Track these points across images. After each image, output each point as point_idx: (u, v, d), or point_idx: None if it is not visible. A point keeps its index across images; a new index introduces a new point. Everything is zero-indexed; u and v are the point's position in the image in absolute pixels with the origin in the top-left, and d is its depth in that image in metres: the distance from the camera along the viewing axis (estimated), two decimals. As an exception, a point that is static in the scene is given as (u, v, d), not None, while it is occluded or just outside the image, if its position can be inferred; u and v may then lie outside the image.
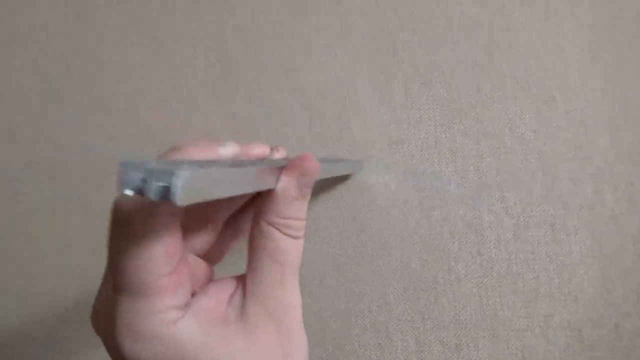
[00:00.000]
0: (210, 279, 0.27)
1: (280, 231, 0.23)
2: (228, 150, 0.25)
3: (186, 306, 0.21)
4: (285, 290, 0.23)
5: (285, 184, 0.23)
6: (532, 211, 0.41)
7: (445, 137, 0.42)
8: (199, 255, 0.27)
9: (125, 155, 0.49)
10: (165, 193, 0.15)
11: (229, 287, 0.24)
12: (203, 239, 0.27)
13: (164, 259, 0.19)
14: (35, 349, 0.51)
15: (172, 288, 0.20)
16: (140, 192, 0.15)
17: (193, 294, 0.23)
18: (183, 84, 0.49)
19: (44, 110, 0.51)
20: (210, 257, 0.28)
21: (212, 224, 0.27)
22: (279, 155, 0.30)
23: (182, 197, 0.15)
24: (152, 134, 0.50)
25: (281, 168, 0.23)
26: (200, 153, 0.22)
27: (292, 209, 0.23)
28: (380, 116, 0.44)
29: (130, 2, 0.49)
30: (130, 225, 0.19)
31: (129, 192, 0.15)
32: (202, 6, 0.49)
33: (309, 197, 0.24)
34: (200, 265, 0.26)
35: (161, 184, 0.15)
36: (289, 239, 0.23)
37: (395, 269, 0.43)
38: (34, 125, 0.51)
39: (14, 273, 0.51)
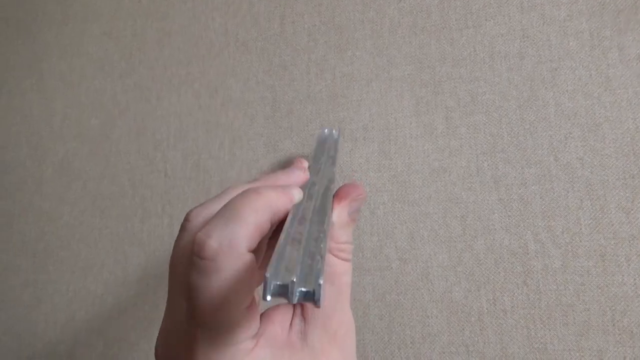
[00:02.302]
0: (259, 284, 0.27)
1: (336, 256, 0.24)
2: (299, 195, 0.25)
3: (257, 335, 0.22)
4: (344, 313, 0.24)
5: (339, 212, 0.24)
6: (580, 241, 0.40)
7: (488, 165, 0.42)
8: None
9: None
10: (308, 296, 0.17)
11: (288, 312, 0.24)
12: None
13: (247, 293, 0.20)
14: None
15: (249, 319, 0.21)
16: (283, 297, 0.17)
17: None
18: (231, 116, 0.51)
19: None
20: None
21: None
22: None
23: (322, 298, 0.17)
24: (201, 165, 0.52)
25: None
26: (277, 199, 0.23)
27: (345, 234, 0.24)
28: (422, 146, 0.44)
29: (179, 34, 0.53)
30: (218, 264, 0.20)
31: (270, 298, 0.17)
32: (249, 45, 0.52)
33: (356, 221, 0.25)
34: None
35: (304, 289, 0.17)
36: (343, 263, 0.24)
37: (438, 300, 0.42)
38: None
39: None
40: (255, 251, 0.27)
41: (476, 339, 0.41)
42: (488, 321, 0.41)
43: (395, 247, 0.44)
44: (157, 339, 0.24)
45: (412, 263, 0.43)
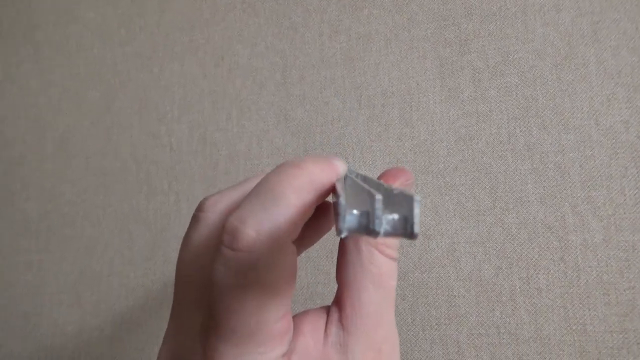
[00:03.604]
0: (295, 272, 0.23)
1: (382, 252, 0.20)
2: (344, 166, 0.20)
3: (288, 351, 0.18)
4: (390, 325, 0.19)
5: None
6: (624, 212, 0.36)
7: (520, 131, 0.39)
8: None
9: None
10: (402, 225, 0.13)
11: (320, 319, 0.20)
12: (309, 231, 0.23)
13: (287, 297, 0.17)
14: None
15: (283, 334, 0.17)
16: (364, 230, 0.13)
17: None
18: (238, 84, 0.48)
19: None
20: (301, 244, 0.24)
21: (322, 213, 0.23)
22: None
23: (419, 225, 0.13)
24: (208, 138, 0.49)
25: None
26: (321, 173, 0.18)
27: None
28: (447, 112, 0.41)
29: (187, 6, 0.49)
30: (256, 258, 0.16)
31: (346, 233, 0.13)
32: (256, 7, 0.48)
33: None
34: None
35: (396, 215, 0.13)
36: (389, 262, 0.20)
37: (466, 278, 0.39)
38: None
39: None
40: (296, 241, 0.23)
41: (508, 319, 0.38)
42: (521, 300, 0.38)
43: (419, 222, 0.41)
44: (163, 353, 0.20)
45: (437, 239, 0.40)
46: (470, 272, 0.39)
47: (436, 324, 0.40)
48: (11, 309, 0.54)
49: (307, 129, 0.45)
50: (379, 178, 0.21)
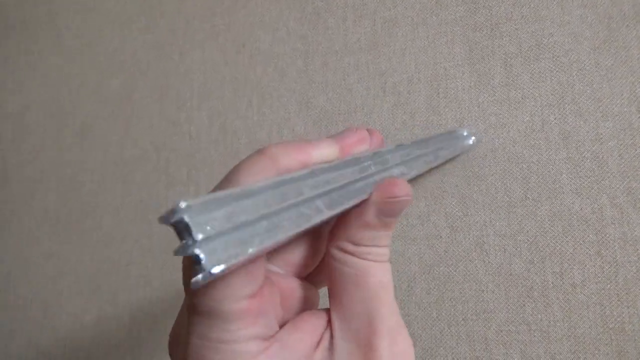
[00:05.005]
0: (313, 306, 0.22)
1: (352, 253, 0.19)
2: (323, 152, 0.19)
3: (271, 338, 0.18)
4: (387, 316, 0.19)
5: (366, 208, 0.19)
6: (667, 205, 0.34)
7: (555, 118, 0.37)
8: (299, 276, 0.22)
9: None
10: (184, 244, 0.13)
11: (322, 321, 0.20)
12: (302, 255, 0.22)
13: (243, 278, 0.16)
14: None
15: (252, 315, 0.17)
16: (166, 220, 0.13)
17: (284, 325, 0.19)
18: (259, 71, 0.46)
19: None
20: (315, 278, 0.23)
21: (312, 236, 0.22)
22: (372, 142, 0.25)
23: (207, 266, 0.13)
24: (228, 126, 0.48)
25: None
26: (287, 159, 0.18)
27: (367, 237, 0.19)
28: (476, 98, 0.39)
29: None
30: None
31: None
32: (278, -10, 0.47)
33: (393, 226, 0.20)
34: (297, 289, 0.22)
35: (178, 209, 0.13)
36: (362, 261, 0.19)
37: (495, 272, 0.37)
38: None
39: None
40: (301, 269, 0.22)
41: (539, 316, 0.36)
42: (554, 296, 0.36)
43: (445, 213, 0.39)
44: (171, 328, 0.20)
45: (464, 231, 0.38)
46: (499, 266, 0.37)
47: (463, 319, 0.38)
48: (30, 298, 0.54)
49: (330, 117, 0.44)
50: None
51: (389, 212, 0.19)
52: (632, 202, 0.34)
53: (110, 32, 0.55)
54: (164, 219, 0.13)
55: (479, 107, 0.39)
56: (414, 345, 0.39)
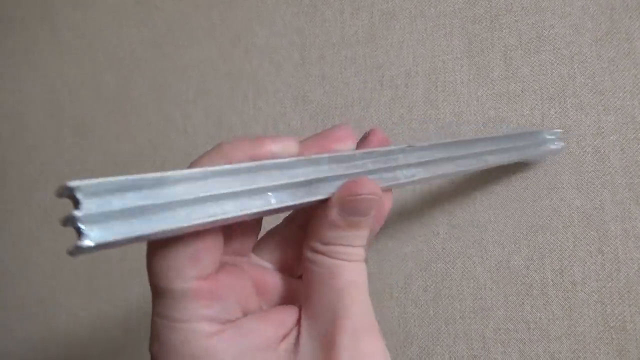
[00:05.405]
0: (296, 303, 0.22)
1: (324, 255, 0.19)
2: (280, 147, 0.19)
3: (229, 323, 0.18)
4: (360, 314, 0.19)
5: (328, 208, 0.19)
6: (670, 201, 0.33)
7: (555, 112, 0.36)
8: (291, 274, 0.22)
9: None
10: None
11: (294, 317, 0.20)
12: (293, 254, 0.22)
13: (185, 261, 0.17)
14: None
15: (205, 296, 0.17)
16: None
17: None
18: (255, 65, 0.46)
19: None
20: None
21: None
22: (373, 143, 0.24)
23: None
24: (223, 121, 0.47)
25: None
26: (239, 154, 0.18)
27: (336, 237, 0.19)
28: (475, 92, 0.38)
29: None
30: None
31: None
32: (274, -18, 0.46)
33: (364, 226, 0.19)
34: (280, 284, 0.22)
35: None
36: (329, 259, 0.19)
37: (493, 269, 0.37)
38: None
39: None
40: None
41: (538, 314, 0.35)
42: (553, 294, 0.35)
43: (443, 209, 0.38)
44: None
45: (462, 228, 0.38)
46: (498, 262, 0.36)
47: (460, 317, 0.37)
48: (26, 294, 0.54)
49: (326, 111, 0.43)
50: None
51: (352, 210, 0.18)
52: (634, 198, 0.33)
53: (107, 26, 0.54)
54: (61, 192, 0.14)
55: (477, 100, 0.38)
56: (412, 344, 0.38)
